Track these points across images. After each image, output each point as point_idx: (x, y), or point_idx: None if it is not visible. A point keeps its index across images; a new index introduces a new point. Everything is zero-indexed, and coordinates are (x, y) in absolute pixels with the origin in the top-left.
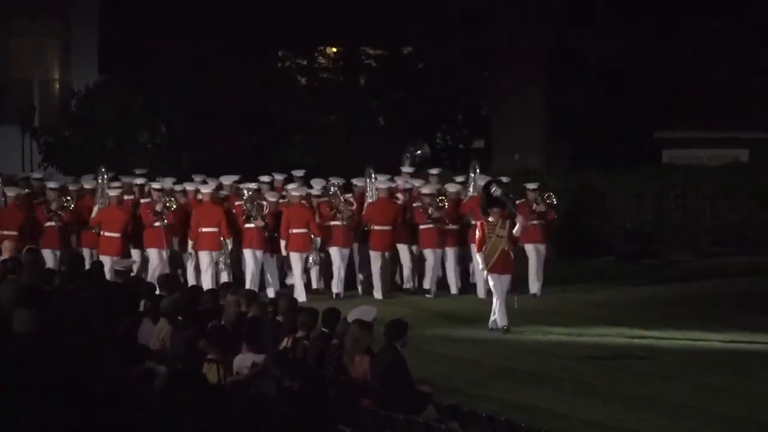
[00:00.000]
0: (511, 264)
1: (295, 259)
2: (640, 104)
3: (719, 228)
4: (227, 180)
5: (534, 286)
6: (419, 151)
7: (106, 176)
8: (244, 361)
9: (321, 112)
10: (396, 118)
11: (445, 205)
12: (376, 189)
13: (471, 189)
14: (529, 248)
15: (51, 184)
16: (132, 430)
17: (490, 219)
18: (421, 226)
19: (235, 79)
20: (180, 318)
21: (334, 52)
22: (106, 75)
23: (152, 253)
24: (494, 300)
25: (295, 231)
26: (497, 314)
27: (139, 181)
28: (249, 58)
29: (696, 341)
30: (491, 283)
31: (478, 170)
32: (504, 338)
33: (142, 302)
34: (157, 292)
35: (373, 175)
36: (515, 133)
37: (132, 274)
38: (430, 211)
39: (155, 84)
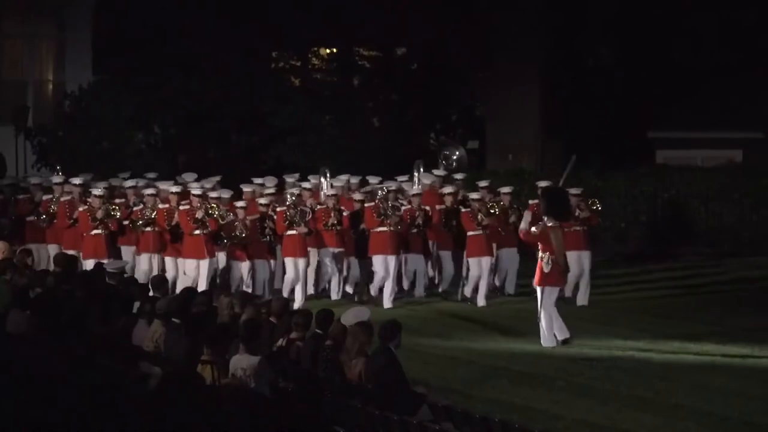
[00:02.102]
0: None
1: (290, 264)
2: (634, 104)
3: (713, 229)
4: (209, 183)
5: (582, 297)
6: (456, 154)
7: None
8: (240, 362)
9: (315, 113)
10: (390, 119)
11: (496, 211)
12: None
13: (416, 188)
14: (572, 256)
15: (96, 191)
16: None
17: (550, 224)
18: (470, 233)
19: (228, 80)
20: (174, 319)
21: (328, 53)
22: (100, 76)
23: (189, 264)
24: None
25: (290, 233)
26: (555, 328)
27: (129, 183)
28: (243, 59)
29: (690, 342)
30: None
31: (422, 169)
32: (498, 339)
33: (136, 304)
34: (151, 293)
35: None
36: (509, 134)
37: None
38: (479, 217)
39: (149, 85)
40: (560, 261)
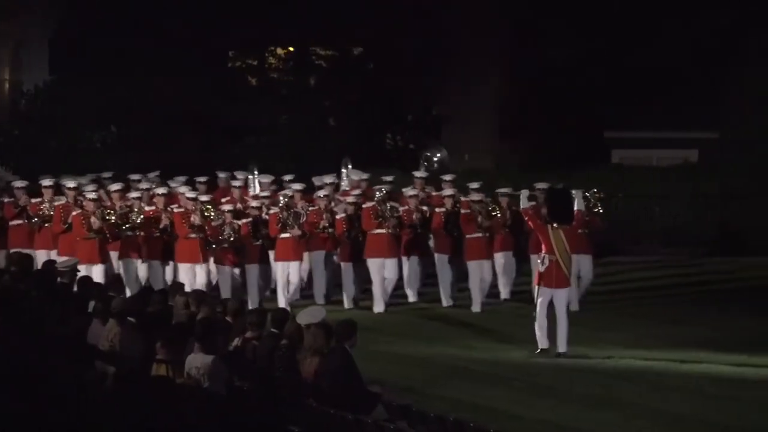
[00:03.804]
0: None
1: (282, 268)
2: (590, 105)
3: (669, 229)
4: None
5: (574, 302)
6: (438, 155)
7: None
8: (195, 361)
9: (271, 113)
10: (346, 119)
11: (497, 213)
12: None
13: (344, 184)
14: (573, 259)
15: (90, 195)
16: (83, 430)
17: (555, 225)
18: (468, 236)
19: (185, 79)
20: (130, 319)
21: (285, 53)
22: (57, 75)
23: (184, 269)
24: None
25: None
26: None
27: (115, 187)
28: (199, 57)
29: (649, 341)
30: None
31: (350, 165)
32: (469, 340)
33: (92, 303)
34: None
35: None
36: (466, 134)
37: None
38: (479, 219)
39: (105, 84)
40: (563, 263)
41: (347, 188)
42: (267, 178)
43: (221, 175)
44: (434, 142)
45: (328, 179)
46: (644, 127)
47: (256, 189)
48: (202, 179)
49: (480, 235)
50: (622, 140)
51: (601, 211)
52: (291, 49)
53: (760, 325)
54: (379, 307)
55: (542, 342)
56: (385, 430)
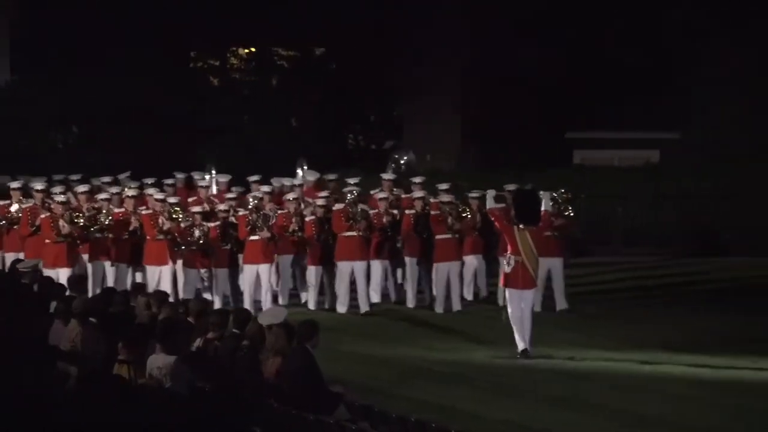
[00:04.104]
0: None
1: (251, 271)
2: (552, 105)
3: (630, 229)
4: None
5: (561, 301)
6: (405, 158)
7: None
8: (156, 361)
9: (234, 113)
10: (308, 119)
11: (468, 215)
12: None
13: (297, 183)
14: (543, 262)
15: (59, 197)
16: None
17: (521, 227)
18: (438, 237)
19: (147, 80)
20: (91, 319)
21: (247, 53)
22: (18, 75)
23: (151, 271)
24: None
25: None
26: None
27: (82, 188)
28: (161, 58)
29: (612, 342)
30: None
31: (305, 166)
32: (413, 340)
33: (53, 303)
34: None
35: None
36: (427, 134)
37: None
38: (449, 221)
39: (67, 84)
40: (529, 265)
41: (303, 188)
42: (224, 178)
43: (179, 176)
44: (399, 143)
45: (287, 182)
46: (606, 127)
47: (213, 189)
48: (170, 181)
49: (450, 236)
50: (584, 141)
51: (571, 214)
52: (253, 49)
53: (723, 326)
54: (342, 308)
55: (520, 344)
56: (347, 431)
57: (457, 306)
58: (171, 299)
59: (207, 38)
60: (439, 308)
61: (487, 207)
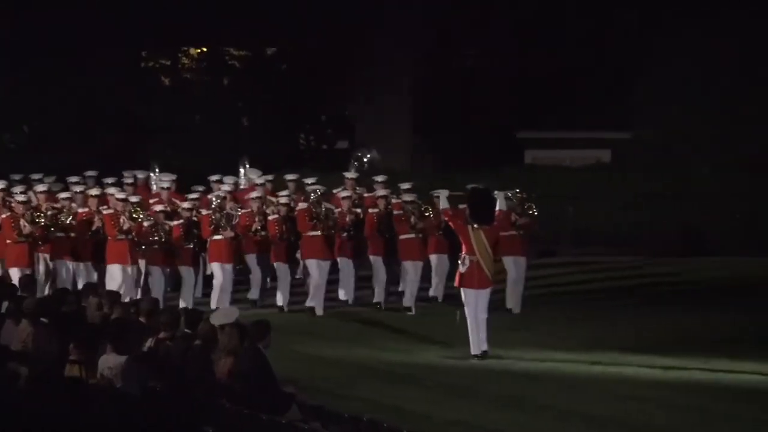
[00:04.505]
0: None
1: (218, 270)
2: (503, 105)
3: (582, 229)
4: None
5: (511, 301)
6: (368, 156)
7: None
8: (107, 361)
9: (185, 113)
10: (260, 119)
11: (431, 214)
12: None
13: (243, 184)
14: (508, 261)
15: (19, 197)
16: None
17: (476, 226)
18: (402, 237)
19: (98, 79)
20: (43, 319)
21: (198, 53)
22: None
23: (114, 270)
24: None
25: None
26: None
27: (41, 188)
28: (112, 57)
29: (562, 342)
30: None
31: (247, 164)
32: (368, 341)
33: (4, 303)
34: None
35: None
36: (379, 134)
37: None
38: (413, 220)
39: (17, 84)
40: (484, 264)
41: (245, 187)
42: (168, 177)
43: (140, 175)
44: (358, 143)
45: (229, 180)
46: (557, 127)
47: (154, 188)
48: (129, 180)
49: (413, 236)
50: (535, 140)
51: (535, 213)
52: (204, 49)
53: (679, 326)
54: (318, 310)
55: (475, 345)
56: (299, 431)
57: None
58: (136, 298)
59: (158, 38)
60: (411, 308)
61: (441, 207)
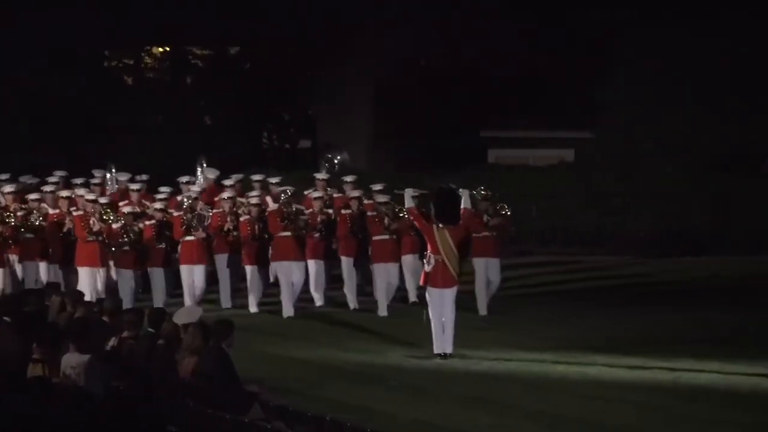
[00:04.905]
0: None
1: (186, 272)
2: (466, 104)
3: (545, 228)
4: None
5: (480, 302)
6: (338, 158)
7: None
8: (70, 360)
9: (148, 112)
10: (222, 118)
11: (405, 215)
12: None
13: (199, 183)
14: (480, 263)
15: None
16: None
17: (440, 225)
18: (375, 238)
19: (60, 79)
20: (5, 318)
21: (161, 52)
22: None
23: (83, 273)
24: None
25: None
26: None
27: (8, 188)
28: (74, 57)
29: (527, 342)
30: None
31: (204, 164)
32: (331, 340)
33: None
34: None
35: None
36: (341, 134)
37: None
38: (386, 221)
39: None
40: (449, 263)
41: (204, 187)
42: (124, 176)
43: (109, 175)
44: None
45: (184, 179)
46: (520, 126)
47: (113, 187)
48: (96, 180)
49: (387, 237)
50: (499, 140)
51: (508, 213)
52: (168, 48)
53: (641, 325)
54: (288, 311)
55: (438, 345)
56: (262, 430)
57: (383, 312)
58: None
59: (122, 37)
60: (382, 311)
61: (406, 206)
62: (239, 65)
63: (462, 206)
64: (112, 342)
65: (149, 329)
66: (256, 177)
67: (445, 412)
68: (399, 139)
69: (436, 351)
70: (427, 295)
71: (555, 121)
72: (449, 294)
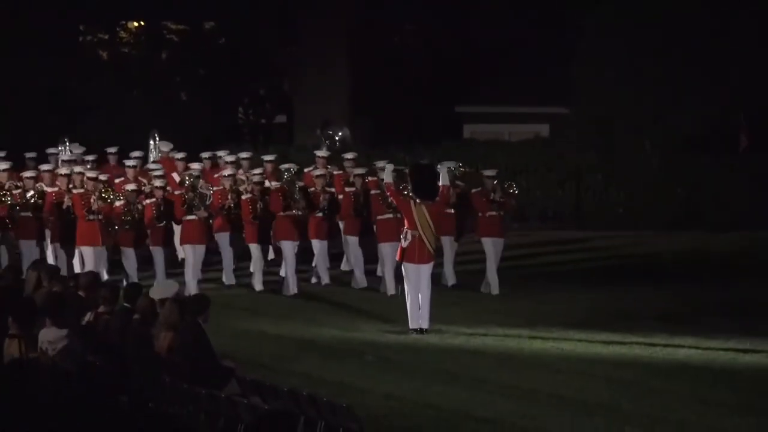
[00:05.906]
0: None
1: (189, 251)
2: (441, 79)
3: (520, 203)
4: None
5: (494, 285)
6: (339, 134)
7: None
8: (47, 335)
9: (123, 88)
10: (198, 94)
11: (409, 193)
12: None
13: (152, 156)
14: (487, 242)
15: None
16: None
17: (418, 201)
18: (379, 218)
19: (34, 54)
20: None
21: (136, 27)
22: None
23: (86, 251)
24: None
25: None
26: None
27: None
28: (48, 32)
29: (502, 317)
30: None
31: (157, 138)
32: (303, 315)
33: None
34: None
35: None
36: (317, 109)
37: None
38: (390, 200)
39: None
40: (427, 239)
41: (157, 160)
42: (79, 149)
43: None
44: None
45: (136, 154)
46: (496, 101)
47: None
48: (90, 157)
49: (391, 216)
50: (474, 115)
51: (516, 191)
52: (143, 23)
53: (619, 301)
54: (294, 288)
55: (413, 320)
56: (239, 405)
57: (391, 290)
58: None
59: (96, 12)
60: (391, 290)
61: (385, 181)
62: (214, 40)
63: (440, 183)
64: (88, 317)
65: (125, 304)
66: (244, 155)
67: (420, 386)
68: (374, 114)
69: (411, 326)
70: (403, 270)
71: (531, 96)
72: (426, 269)
